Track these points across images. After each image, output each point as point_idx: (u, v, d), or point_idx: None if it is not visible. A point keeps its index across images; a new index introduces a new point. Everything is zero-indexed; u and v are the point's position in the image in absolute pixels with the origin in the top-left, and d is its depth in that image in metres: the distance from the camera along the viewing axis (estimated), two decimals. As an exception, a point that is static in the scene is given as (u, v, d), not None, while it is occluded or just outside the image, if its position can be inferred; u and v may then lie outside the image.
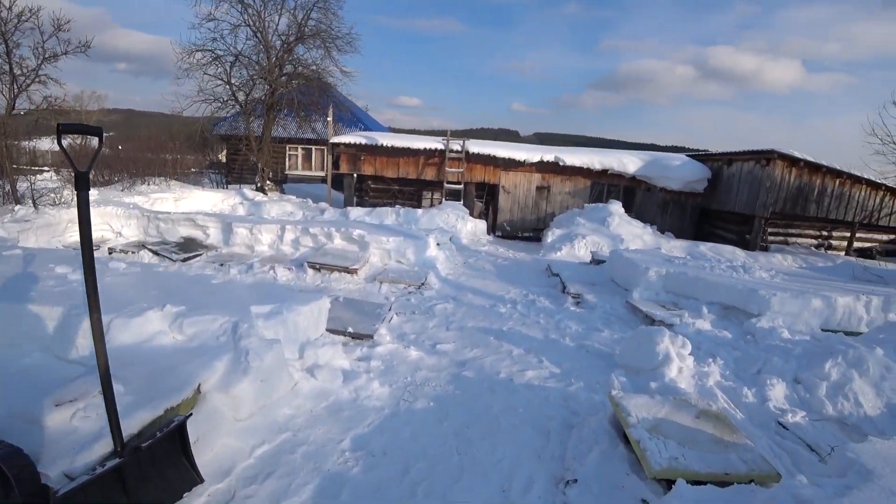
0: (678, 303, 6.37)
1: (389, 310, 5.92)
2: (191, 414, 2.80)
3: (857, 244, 12.58)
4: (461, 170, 13.62)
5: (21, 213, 9.16)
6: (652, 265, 6.80)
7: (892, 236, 12.84)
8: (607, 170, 13.77)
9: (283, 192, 17.35)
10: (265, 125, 15.68)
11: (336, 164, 14.69)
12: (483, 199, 14.65)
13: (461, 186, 13.69)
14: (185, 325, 3.69)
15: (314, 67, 14.98)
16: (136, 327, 3.65)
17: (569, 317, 6.23)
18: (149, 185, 13.62)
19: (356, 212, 13.26)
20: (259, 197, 14.47)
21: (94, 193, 11.81)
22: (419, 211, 12.79)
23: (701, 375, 4.08)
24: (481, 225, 13.40)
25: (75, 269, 4.60)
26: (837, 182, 11.49)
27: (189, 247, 9.18)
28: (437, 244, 9.54)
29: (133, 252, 8.85)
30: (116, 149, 16.18)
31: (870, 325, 6.01)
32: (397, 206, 14.49)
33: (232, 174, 20.78)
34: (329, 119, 14.38)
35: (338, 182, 16.66)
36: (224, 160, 23.17)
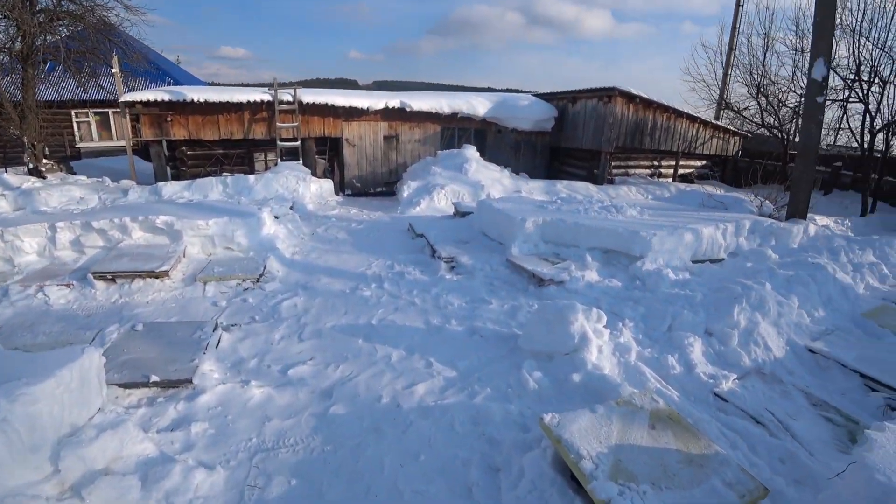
0: (559, 253, 5.85)
1: (216, 328, 4.33)
2: None
3: (680, 171, 13.84)
4: (296, 124, 11.59)
5: None
6: (527, 215, 6.15)
7: (704, 162, 14.38)
8: (457, 113, 12.95)
9: (71, 171, 13.39)
10: (24, 85, 11.58)
11: (137, 130, 11.53)
12: (326, 155, 12.84)
13: (298, 143, 11.72)
14: None
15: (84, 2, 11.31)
16: None
17: (447, 288, 5.28)
18: None
19: (171, 188, 10.65)
20: (29, 183, 10.80)
21: None
22: (251, 177, 10.71)
23: (621, 351, 3.46)
24: (327, 185, 11.78)
25: None
26: (665, 116, 12.22)
27: None
28: (276, 217, 7.86)
29: None
30: None
31: (727, 252, 6.18)
32: (224, 174, 12.06)
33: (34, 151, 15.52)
34: (115, 70, 11.01)
35: (147, 152, 13.33)
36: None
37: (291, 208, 9.42)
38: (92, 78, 12.83)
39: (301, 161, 11.87)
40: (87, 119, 16.76)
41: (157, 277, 5.76)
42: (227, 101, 11.23)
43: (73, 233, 6.63)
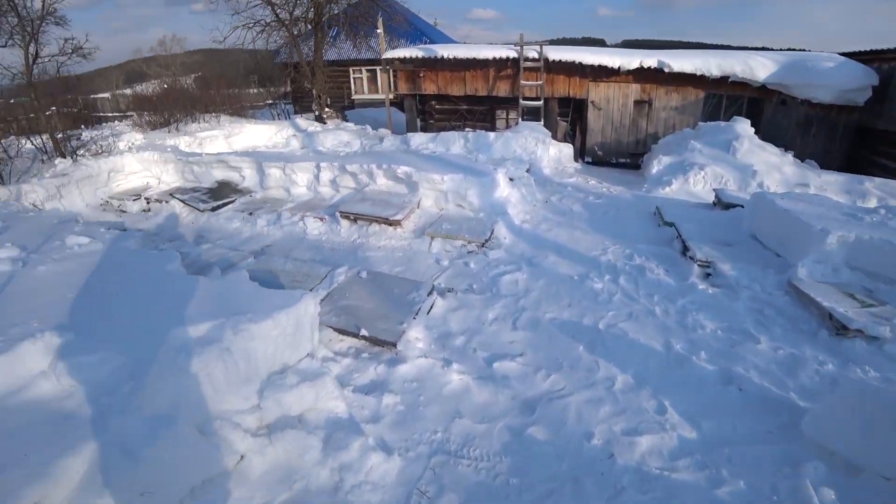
0: (875, 290, 4.05)
1: (431, 292, 4.22)
2: None
3: None
4: (540, 83, 11.02)
5: (60, 168, 8.40)
6: (830, 225, 4.42)
7: None
8: (727, 77, 10.43)
9: (345, 119, 15.73)
10: (315, 47, 13.88)
11: (395, 84, 12.67)
12: (568, 118, 12.01)
13: (541, 103, 11.16)
14: (64, 368, 2.28)
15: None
16: (6, 366, 2.30)
17: (699, 303, 4.15)
18: (199, 123, 12.61)
19: (418, 139, 11.40)
20: (313, 127, 13.00)
21: (138, 137, 10.98)
22: (492, 135, 10.65)
23: None
24: (567, 150, 11.00)
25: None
26: None
27: (221, 192, 7.99)
28: (511, 179, 7.53)
29: (165, 202, 7.84)
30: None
31: None
32: (467, 129, 12.39)
33: (300, 104, 19.40)
34: (379, 31, 12.14)
35: (403, 105, 14.74)
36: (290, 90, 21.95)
37: (528, 171, 9.06)
38: (364, 40, 14.45)
39: (542, 122, 11.33)
40: (360, 75, 19.27)
41: (390, 225, 6.08)
42: (474, 58, 11.26)
43: (331, 173, 7.51)
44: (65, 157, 9.05)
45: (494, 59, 11.17)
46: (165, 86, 15.71)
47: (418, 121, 13.04)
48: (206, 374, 2.30)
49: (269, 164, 7.89)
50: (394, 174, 7.08)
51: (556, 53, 10.98)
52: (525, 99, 11.35)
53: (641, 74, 10.83)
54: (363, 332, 3.50)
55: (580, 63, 10.81)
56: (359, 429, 2.62)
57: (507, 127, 12.15)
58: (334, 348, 3.47)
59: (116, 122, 14.59)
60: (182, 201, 7.67)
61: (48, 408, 2.14)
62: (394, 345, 3.42)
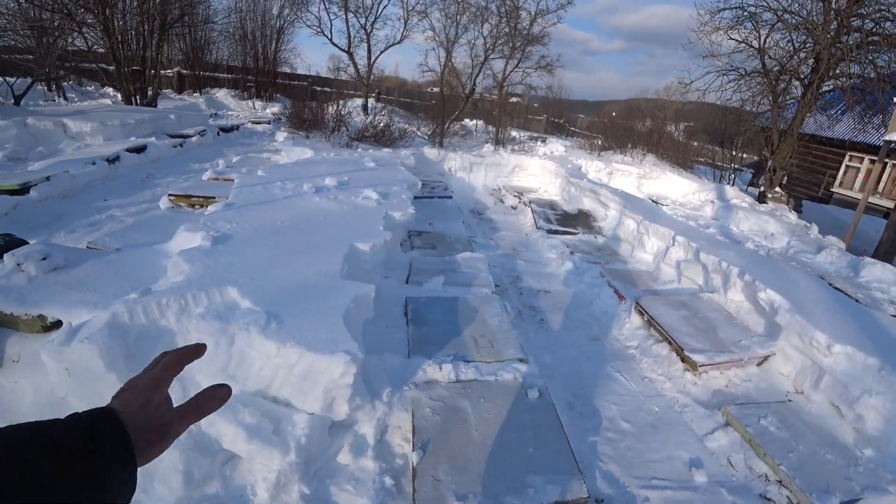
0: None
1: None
2: None
3: None
4: None
5: (485, 150, 9.96)
6: None
7: None
8: None
9: (797, 209, 12.18)
10: (798, 111, 10.89)
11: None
12: None
13: None
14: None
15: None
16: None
17: None
18: (625, 155, 12.33)
19: (878, 272, 7.44)
20: (740, 201, 10.51)
21: (560, 149, 11.69)
22: None
23: None
24: None
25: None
26: None
27: (573, 220, 7.44)
28: None
29: (525, 205, 7.98)
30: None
31: None
32: None
33: (761, 175, 16.39)
34: None
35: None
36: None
37: None
38: (867, 116, 10.25)
39: None
40: (858, 165, 14.21)
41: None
42: None
43: (685, 253, 5.62)
44: (504, 147, 10.57)
45: None
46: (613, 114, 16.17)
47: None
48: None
49: (628, 214, 6.67)
50: (755, 296, 4.60)
51: None
52: None
53: None
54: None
55: None
56: None
57: None
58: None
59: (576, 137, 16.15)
60: (533, 212, 7.53)
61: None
62: None
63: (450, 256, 4.86)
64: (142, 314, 2.78)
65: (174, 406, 0.63)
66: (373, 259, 3.53)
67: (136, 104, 12.17)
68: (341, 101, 9.92)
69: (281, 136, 9.23)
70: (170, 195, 6.04)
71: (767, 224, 9.18)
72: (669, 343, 4.09)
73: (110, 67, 11.88)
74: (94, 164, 7.32)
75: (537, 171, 9.63)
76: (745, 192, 11.90)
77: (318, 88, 19.36)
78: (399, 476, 2.45)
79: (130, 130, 9.78)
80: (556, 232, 6.85)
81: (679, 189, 11.10)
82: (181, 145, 9.98)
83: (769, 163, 11.33)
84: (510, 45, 11.36)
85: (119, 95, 12.46)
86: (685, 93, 11.90)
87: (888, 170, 9.86)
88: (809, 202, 13.68)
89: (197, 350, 0.69)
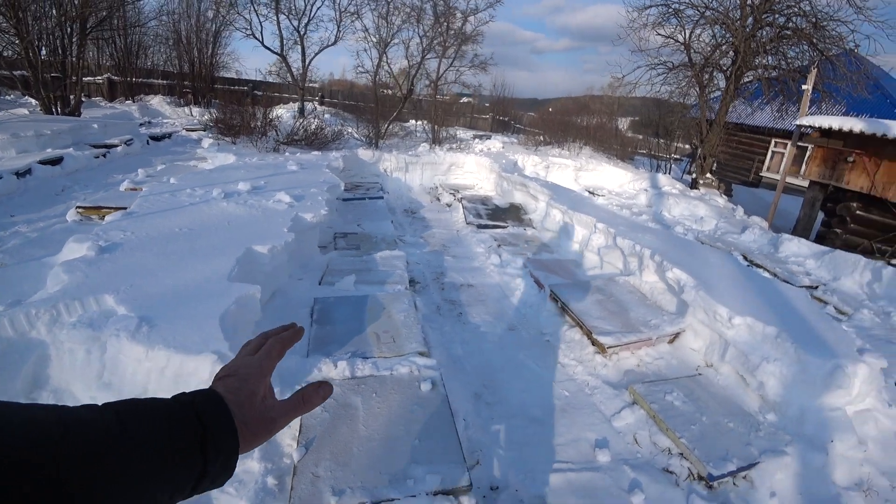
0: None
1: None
2: None
3: None
4: None
5: (420, 150, 9.93)
6: None
7: None
8: None
9: (728, 192, 12.72)
10: (722, 102, 11.45)
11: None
12: None
13: None
14: None
15: (812, 18, 9.35)
16: None
17: None
18: (564, 149, 12.58)
19: (795, 246, 7.91)
20: (672, 188, 10.91)
21: (497, 146, 11.79)
22: None
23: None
24: None
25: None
26: None
27: (503, 215, 7.52)
28: None
29: (459, 202, 8.01)
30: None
31: None
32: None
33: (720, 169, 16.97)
34: (806, 87, 8.71)
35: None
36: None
37: None
38: (785, 103, 10.88)
39: None
40: (782, 151, 15.05)
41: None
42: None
43: (605, 239, 5.78)
44: (440, 145, 10.56)
45: None
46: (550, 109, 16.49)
47: (821, 224, 9.03)
48: None
49: (554, 205, 6.81)
50: (664, 276, 4.77)
51: None
52: None
53: None
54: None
55: None
56: None
57: None
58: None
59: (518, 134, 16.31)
60: (464, 208, 7.56)
61: None
62: None
63: (368, 256, 4.82)
64: (8, 327, 2.63)
65: (277, 399, 0.60)
66: (272, 261, 3.45)
67: (57, 113, 11.53)
68: (275, 106, 9.70)
69: (207, 142, 8.95)
70: (78, 207, 5.74)
71: (697, 208, 9.57)
72: (580, 327, 4.18)
73: (28, 74, 11.22)
74: (0, 178, 6.88)
75: (473, 167, 9.70)
76: (680, 180, 12.37)
77: (260, 93, 18.90)
78: (284, 476, 2.40)
79: (47, 142, 9.23)
80: (485, 226, 6.90)
81: (615, 179, 11.42)
82: (104, 156, 9.52)
83: (698, 151, 11.82)
84: (443, 44, 11.42)
85: (38, 104, 11.77)
86: (618, 87, 12.26)
87: (808, 152, 10.47)
88: (740, 186, 14.34)
89: (297, 333, 0.67)
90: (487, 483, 2.70)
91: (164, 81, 19.15)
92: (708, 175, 12.01)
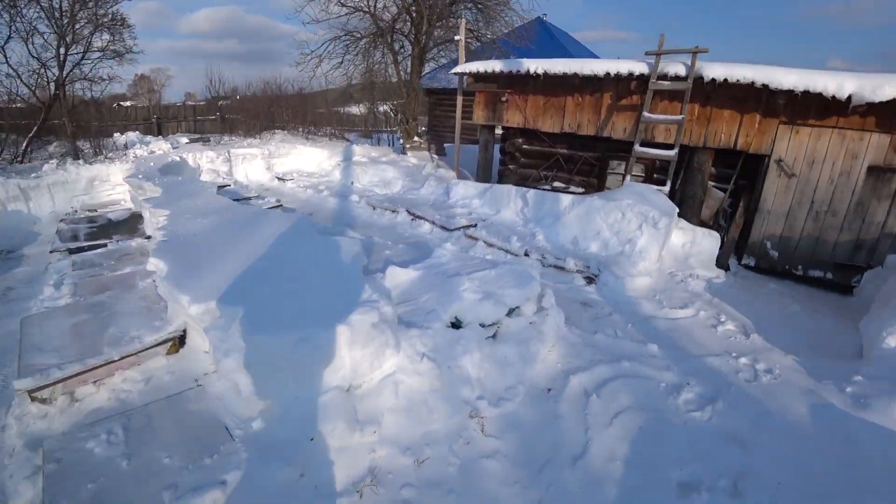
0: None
1: None
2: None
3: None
4: (681, 117, 6.24)
5: (45, 169, 7.68)
6: None
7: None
8: None
9: (441, 152, 12.81)
10: (412, 65, 11.40)
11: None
12: (730, 185, 6.71)
13: (673, 153, 6.36)
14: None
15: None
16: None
17: None
18: (257, 137, 11.30)
19: (462, 190, 7.86)
20: (364, 157, 10.43)
21: (165, 147, 9.98)
22: (565, 199, 6.56)
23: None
24: (707, 242, 6.06)
25: None
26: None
27: (110, 230, 5.92)
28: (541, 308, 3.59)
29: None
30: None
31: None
32: (558, 183, 8.34)
33: (433, 132, 17.16)
34: (458, 38, 8.80)
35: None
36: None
37: (594, 278, 4.82)
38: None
39: (668, 185, 6.58)
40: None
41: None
42: (576, 74, 7.01)
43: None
44: (78, 160, 8.33)
45: (611, 75, 6.76)
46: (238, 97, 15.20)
47: (499, 164, 9.27)
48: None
49: (144, 206, 5.43)
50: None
51: (723, 69, 6.07)
52: (648, 145, 6.72)
53: (888, 112, 5.21)
54: None
55: (767, 87, 5.72)
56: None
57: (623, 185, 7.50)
58: None
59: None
60: (58, 232, 5.76)
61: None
62: None
63: None
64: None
65: None
66: None
67: None
68: None
69: None
70: None
71: (386, 172, 9.13)
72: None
73: None
74: None
75: (119, 179, 7.87)
76: (395, 147, 12.06)
77: None
78: None
79: None
80: (77, 251, 5.24)
81: (313, 160, 10.57)
82: None
83: (398, 116, 11.62)
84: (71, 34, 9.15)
85: None
86: (303, 63, 11.38)
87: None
88: (465, 145, 14.78)
89: None
90: None
91: None
92: (416, 138, 11.88)
